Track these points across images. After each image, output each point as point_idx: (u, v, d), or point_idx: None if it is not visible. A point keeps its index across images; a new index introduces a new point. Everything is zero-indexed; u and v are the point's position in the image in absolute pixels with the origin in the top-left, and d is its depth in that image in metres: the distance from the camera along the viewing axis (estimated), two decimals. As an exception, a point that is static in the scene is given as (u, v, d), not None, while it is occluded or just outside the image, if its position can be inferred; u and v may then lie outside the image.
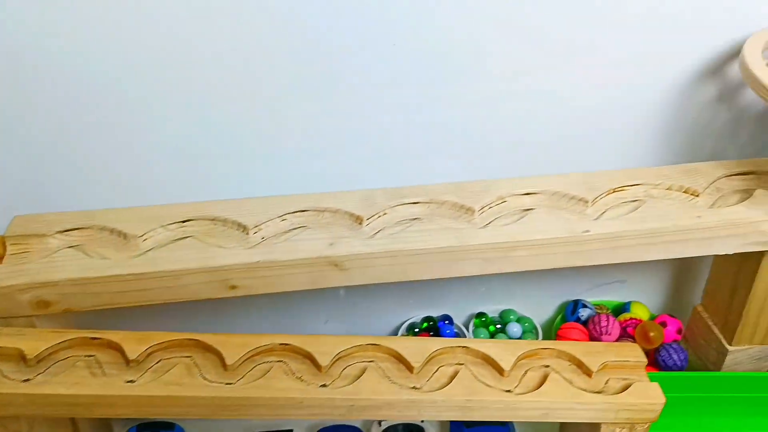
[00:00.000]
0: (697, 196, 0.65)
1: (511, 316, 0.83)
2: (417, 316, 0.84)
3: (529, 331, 0.82)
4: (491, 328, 0.82)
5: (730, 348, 0.73)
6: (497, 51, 0.64)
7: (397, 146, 0.69)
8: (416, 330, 0.82)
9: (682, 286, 0.85)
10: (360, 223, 0.63)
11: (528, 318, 0.84)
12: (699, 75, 0.69)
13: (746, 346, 0.73)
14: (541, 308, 0.87)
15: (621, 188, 0.66)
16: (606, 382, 0.59)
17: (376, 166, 0.69)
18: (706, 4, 0.64)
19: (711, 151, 0.75)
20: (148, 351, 0.56)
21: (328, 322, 0.83)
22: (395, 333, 0.83)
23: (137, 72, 0.60)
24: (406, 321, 0.84)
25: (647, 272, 0.85)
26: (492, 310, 0.85)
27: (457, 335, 0.81)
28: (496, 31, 0.62)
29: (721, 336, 0.74)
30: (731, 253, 0.62)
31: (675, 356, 0.75)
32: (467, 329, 0.83)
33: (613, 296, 0.87)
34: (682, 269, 0.84)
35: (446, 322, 0.82)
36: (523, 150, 0.71)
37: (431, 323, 0.82)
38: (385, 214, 0.64)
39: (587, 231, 0.60)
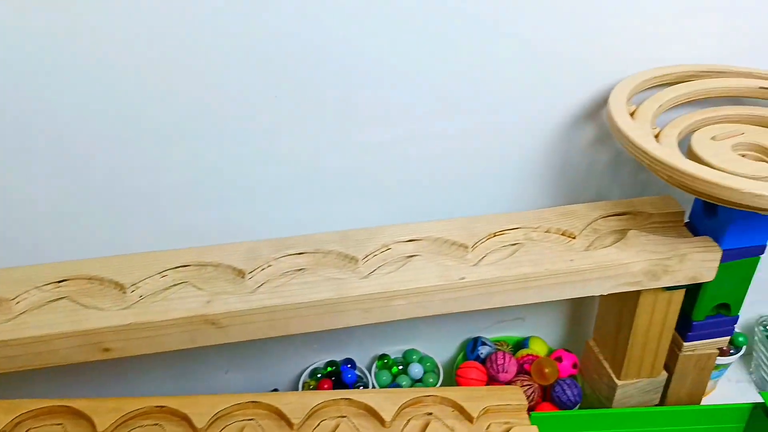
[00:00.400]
0: (574, 238, 0.67)
1: (414, 357, 0.84)
2: (321, 360, 0.84)
3: (431, 371, 0.83)
4: (394, 369, 0.82)
5: (619, 382, 0.75)
6: (377, 97, 0.65)
7: (283, 195, 0.69)
8: (319, 375, 0.81)
9: (577, 321, 0.87)
10: (243, 277, 0.62)
11: (430, 357, 0.84)
12: (578, 118, 0.71)
13: (634, 380, 0.75)
14: (444, 346, 0.88)
15: (501, 232, 0.68)
16: (487, 427, 0.60)
17: (262, 216, 0.69)
18: (581, 49, 0.66)
19: (595, 191, 0.77)
20: (16, 421, 0.54)
21: (228, 372, 0.82)
22: (298, 379, 0.83)
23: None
24: (309, 366, 0.84)
25: (545, 308, 0.87)
26: (396, 350, 0.86)
27: (359, 378, 0.81)
28: (375, 77, 0.63)
29: (610, 370, 0.76)
30: (605, 293, 0.64)
31: (569, 392, 0.77)
32: (370, 372, 0.83)
33: (514, 332, 0.88)
34: (577, 304, 0.86)
35: (349, 365, 0.82)
36: (409, 195, 0.72)
37: (334, 368, 0.82)
38: (269, 266, 0.64)
39: (463, 278, 0.61)
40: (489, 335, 0.87)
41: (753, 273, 0.68)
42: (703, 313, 0.70)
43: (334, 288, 0.61)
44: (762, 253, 0.67)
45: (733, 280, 0.68)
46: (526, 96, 0.69)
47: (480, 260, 0.65)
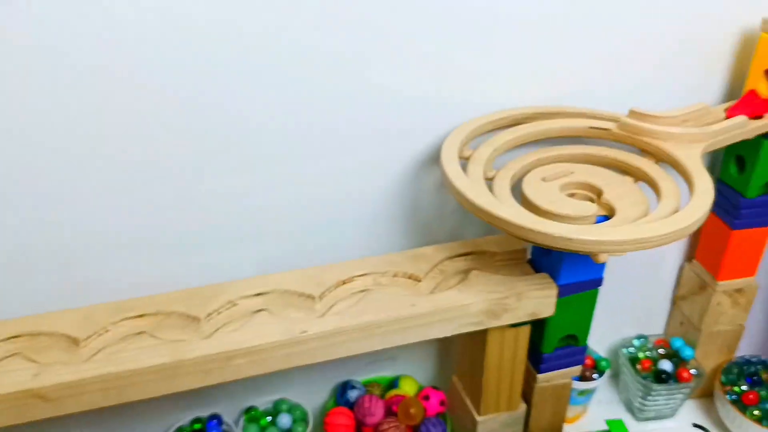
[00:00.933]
0: (419, 281, 0.68)
1: (283, 406, 0.83)
2: (186, 418, 0.82)
3: (300, 420, 0.82)
4: (262, 421, 0.81)
5: (479, 418, 0.76)
6: (226, 145, 0.64)
7: (125, 254, 0.67)
8: (184, 434, 0.79)
9: (446, 357, 0.88)
10: (77, 345, 0.60)
11: (300, 406, 0.84)
12: (426, 161, 0.73)
13: (494, 414, 0.76)
14: (317, 392, 0.87)
15: (350, 279, 0.68)
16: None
17: (100, 278, 0.67)
18: (426, 94, 0.68)
19: (449, 232, 0.79)
20: None
21: (84, 437, 0.79)
22: (163, 439, 0.80)
23: None
24: (173, 425, 0.81)
25: (415, 346, 0.87)
26: (265, 401, 0.84)
27: (226, 434, 0.79)
28: (223, 124, 0.63)
29: (471, 406, 0.77)
30: (449, 335, 0.65)
31: (433, 430, 0.77)
32: (237, 426, 0.81)
33: (386, 372, 0.88)
34: (445, 341, 0.87)
35: (215, 421, 0.80)
36: (258, 246, 0.71)
37: (201, 425, 0.80)
38: (106, 332, 0.62)
39: (305, 331, 0.61)
40: (361, 377, 0.87)
41: (594, 304, 0.71)
42: (551, 345, 0.72)
43: (172, 351, 0.59)
44: (599, 285, 0.70)
45: (576, 313, 0.71)
46: (375, 140, 0.70)
47: (328, 310, 0.65)
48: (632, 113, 0.71)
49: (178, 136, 0.62)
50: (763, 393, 0.89)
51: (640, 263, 0.93)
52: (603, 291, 0.92)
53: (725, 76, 0.79)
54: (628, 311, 0.98)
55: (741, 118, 0.70)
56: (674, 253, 0.94)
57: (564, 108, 0.74)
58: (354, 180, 0.72)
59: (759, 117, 0.73)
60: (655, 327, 1.01)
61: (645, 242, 0.53)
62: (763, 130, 0.73)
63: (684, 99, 0.77)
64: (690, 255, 0.93)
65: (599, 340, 0.99)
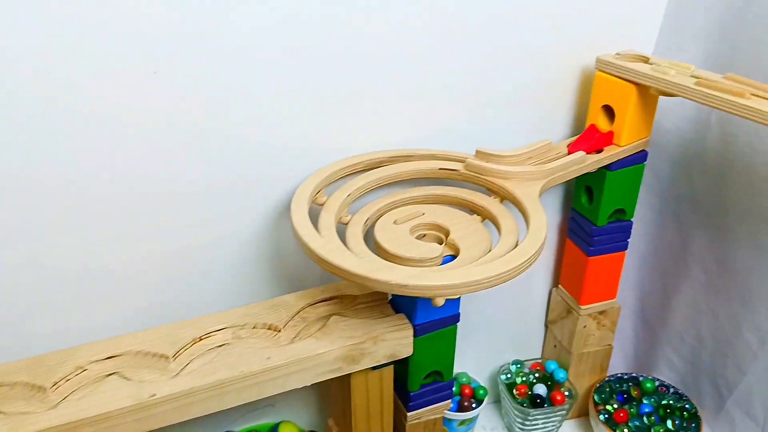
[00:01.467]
0: (279, 331, 0.68)
1: (157, 465, 0.80)
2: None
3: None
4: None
5: (353, 460, 0.76)
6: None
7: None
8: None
9: (324, 400, 0.88)
10: None
11: (174, 463, 0.81)
12: (287, 208, 0.73)
13: (368, 456, 0.76)
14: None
15: (207, 335, 0.67)
16: None
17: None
18: (284, 141, 0.69)
19: (319, 277, 0.79)
20: None
21: None
22: None
23: None
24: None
25: (293, 391, 0.86)
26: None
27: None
28: (52, 183, 0.62)
29: (345, 449, 0.77)
30: (309, 384, 0.65)
31: (310, 477, 0.77)
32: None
33: (267, 419, 0.87)
34: (321, 384, 0.86)
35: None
36: (112, 305, 0.69)
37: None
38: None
39: (154, 395, 0.59)
40: (241, 426, 0.86)
41: (454, 340, 0.73)
42: (417, 383, 0.73)
43: (12, 426, 0.57)
44: (457, 321, 0.72)
45: (437, 350, 0.72)
46: (232, 189, 0.70)
47: (182, 369, 0.63)
48: (478, 153, 0.74)
49: (13, 195, 0.60)
50: (632, 411, 0.93)
51: (511, 290, 0.95)
52: (480, 318, 0.95)
53: (570, 112, 0.84)
54: (506, 337, 1.01)
55: (579, 154, 0.74)
56: (542, 279, 0.98)
57: (417, 151, 0.76)
58: (213, 231, 0.71)
59: (600, 150, 0.78)
60: (533, 351, 1.05)
61: (476, 285, 0.56)
62: (605, 163, 0.78)
63: (534, 135, 0.80)
64: (556, 281, 0.97)
65: (480, 368, 1.02)
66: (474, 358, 1.01)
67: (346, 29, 0.66)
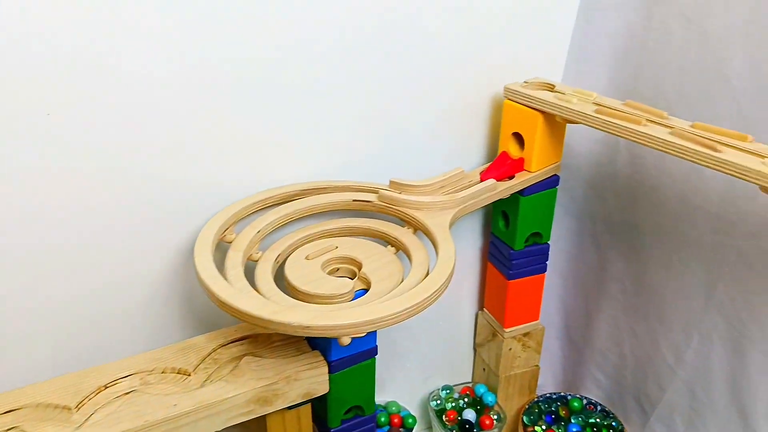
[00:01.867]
0: (189, 375, 0.66)
1: None
2: None
3: None
4: None
5: (276, 501, 0.74)
6: None
7: None
8: None
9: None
10: None
11: None
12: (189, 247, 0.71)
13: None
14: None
15: (113, 383, 0.64)
16: None
17: None
18: (182, 178, 0.67)
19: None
20: None
21: None
22: None
23: None
24: None
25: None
26: None
27: None
28: None
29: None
30: (220, 429, 0.63)
31: None
32: None
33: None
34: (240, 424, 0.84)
35: None
36: (11, 355, 0.66)
37: None
38: None
39: (49, 453, 0.56)
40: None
41: (373, 374, 0.72)
42: (337, 419, 0.72)
43: None
44: (374, 354, 0.71)
45: (356, 384, 0.71)
46: (140, 226, 0.68)
47: (86, 420, 0.61)
48: (392, 183, 0.74)
49: None
50: (560, 431, 0.94)
51: (438, 314, 0.96)
52: (408, 344, 0.95)
53: (483, 139, 0.85)
54: (436, 362, 1.01)
55: (490, 182, 0.74)
56: (468, 303, 0.98)
57: (331, 182, 0.75)
58: (118, 272, 0.69)
59: (512, 177, 0.78)
60: (464, 375, 1.05)
61: (380, 322, 0.55)
62: (517, 189, 0.78)
63: (450, 163, 0.81)
64: (482, 304, 0.97)
65: (411, 395, 1.01)
66: (404, 385, 1.00)
67: (254, 60, 0.66)
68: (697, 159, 0.58)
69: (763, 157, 0.55)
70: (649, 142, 0.61)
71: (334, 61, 0.70)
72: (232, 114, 0.67)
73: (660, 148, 0.61)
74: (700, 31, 0.69)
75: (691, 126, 0.62)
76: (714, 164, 0.57)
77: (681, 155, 0.59)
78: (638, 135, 0.62)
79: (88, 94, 0.59)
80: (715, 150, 0.57)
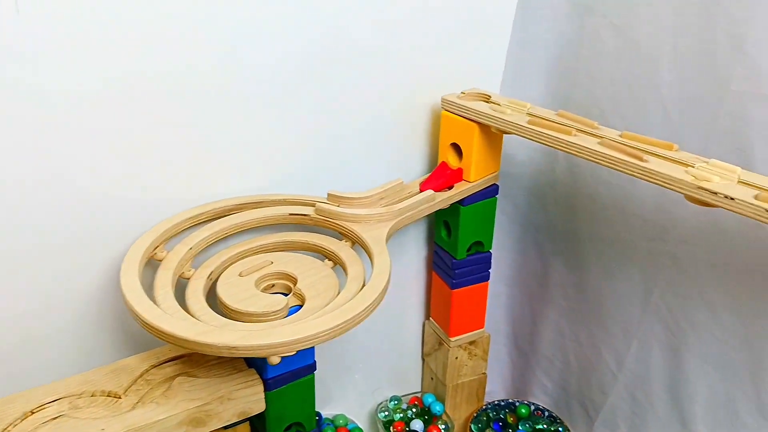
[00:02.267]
0: (120, 397, 0.64)
1: None
2: None
3: None
4: None
5: None
6: None
7: None
8: None
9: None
10: None
11: None
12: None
13: None
14: None
15: (40, 407, 0.62)
16: None
17: None
18: (115, 194, 0.66)
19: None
20: None
21: None
22: None
23: None
24: None
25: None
26: None
27: None
28: None
29: None
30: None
31: None
32: None
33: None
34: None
35: None
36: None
37: None
38: None
39: (-32, 484, 0.54)
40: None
41: (312, 390, 0.71)
42: (279, 436, 0.71)
43: None
44: (313, 370, 0.70)
45: (295, 401, 0.70)
46: (68, 245, 0.66)
47: (10, 449, 0.58)
48: (330, 196, 0.73)
49: None
50: (507, 437, 0.94)
51: (385, 324, 0.95)
52: (356, 356, 0.94)
53: (424, 150, 0.84)
54: (384, 373, 1.01)
55: (428, 193, 0.74)
56: (415, 312, 0.98)
57: (267, 196, 0.74)
58: (45, 293, 0.67)
59: (451, 187, 0.78)
60: (413, 385, 1.04)
61: (309, 340, 0.54)
62: (457, 199, 0.78)
63: (391, 173, 0.80)
64: (428, 313, 0.97)
65: (360, 407, 1.00)
66: (353, 398, 0.99)
67: (184, 75, 0.64)
68: (625, 168, 0.58)
69: (687, 165, 0.56)
70: (579, 152, 0.62)
71: (268, 75, 0.69)
72: (163, 129, 0.66)
73: (589, 158, 0.61)
74: (630, 40, 0.70)
75: (620, 135, 0.63)
76: (640, 174, 0.57)
77: (609, 165, 0.59)
78: (568, 145, 0.63)
79: (5, 112, 0.57)
80: (641, 159, 0.57)
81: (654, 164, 0.57)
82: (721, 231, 0.66)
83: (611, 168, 0.59)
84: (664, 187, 0.55)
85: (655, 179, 0.56)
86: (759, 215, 0.50)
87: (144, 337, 0.71)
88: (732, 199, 0.51)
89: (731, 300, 0.68)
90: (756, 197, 0.51)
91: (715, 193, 0.52)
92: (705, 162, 0.56)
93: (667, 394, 0.79)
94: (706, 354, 0.73)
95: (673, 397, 0.78)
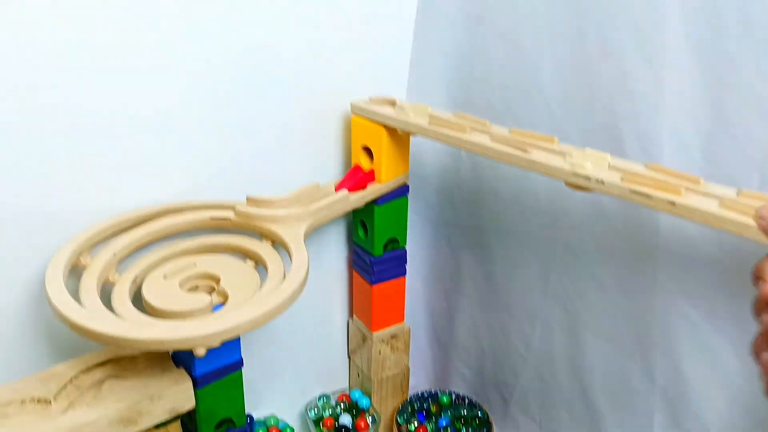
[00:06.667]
0: (50, 403, 0.65)
1: None
2: None
3: None
4: None
5: None
6: None
7: None
8: None
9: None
10: None
11: None
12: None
13: None
14: None
15: (-32, 419, 0.63)
16: None
17: None
18: (29, 204, 0.67)
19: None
20: None
21: None
22: None
23: None
24: None
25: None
26: None
27: None
28: None
29: None
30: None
31: None
32: None
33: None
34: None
35: None
36: None
37: None
38: None
39: None
40: None
41: (240, 386, 0.74)
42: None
43: None
44: (240, 367, 0.73)
45: (224, 398, 0.73)
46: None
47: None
48: (249, 200, 0.77)
49: None
50: (431, 426, 0.99)
51: (311, 323, 0.99)
52: (284, 356, 0.97)
53: (338, 153, 0.89)
54: (312, 372, 1.04)
55: (342, 193, 0.79)
56: (339, 311, 1.02)
57: (188, 203, 0.77)
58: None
59: (365, 187, 0.83)
60: (341, 382, 1.08)
61: (233, 330, 0.58)
62: (370, 198, 0.84)
63: (308, 177, 0.85)
64: (351, 311, 1.02)
65: (291, 407, 1.04)
66: (283, 398, 1.02)
67: (100, 83, 0.67)
68: (512, 161, 0.65)
69: (565, 155, 0.63)
70: (473, 148, 0.68)
71: (184, 84, 0.73)
72: (80, 139, 0.68)
73: (482, 152, 0.68)
74: (516, 47, 0.77)
75: (509, 132, 0.70)
76: (526, 165, 0.64)
77: (499, 158, 0.66)
78: (464, 143, 0.69)
79: None
80: (525, 152, 0.64)
81: (536, 155, 0.64)
82: (603, 215, 0.73)
83: (501, 161, 0.66)
84: (546, 175, 0.62)
85: (538, 168, 0.63)
86: (626, 195, 0.57)
87: (72, 344, 0.73)
88: (602, 182, 0.59)
89: (617, 278, 0.76)
90: (622, 179, 0.58)
91: (588, 178, 0.60)
92: (581, 151, 0.63)
93: (570, 371, 0.86)
94: (599, 330, 0.80)
95: (576, 373, 0.86)
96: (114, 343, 0.57)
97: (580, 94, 0.72)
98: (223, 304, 0.67)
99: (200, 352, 0.59)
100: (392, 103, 0.82)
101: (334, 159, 0.90)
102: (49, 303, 0.60)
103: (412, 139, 0.83)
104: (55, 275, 0.63)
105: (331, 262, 0.98)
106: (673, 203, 0.54)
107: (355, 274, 0.96)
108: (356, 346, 1.02)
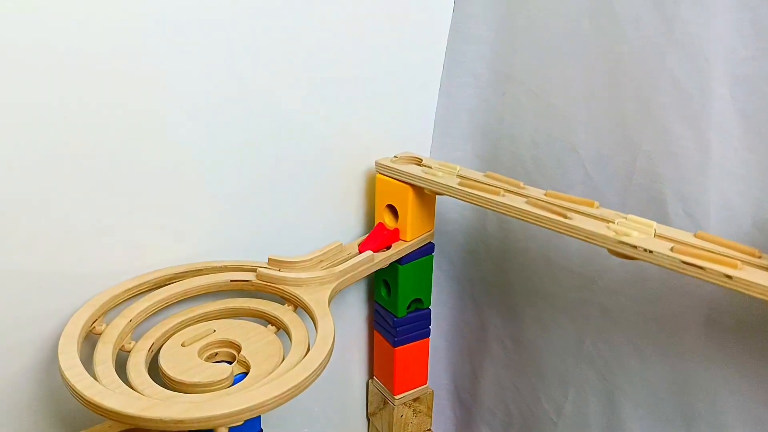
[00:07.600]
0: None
1: None
2: None
3: None
4: None
5: None
6: None
7: None
8: None
9: None
10: None
11: None
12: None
13: None
14: None
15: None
16: None
17: None
18: (47, 270, 0.64)
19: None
20: None
21: None
22: None
23: None
24: None
25: None
26: None
27: None
28: None
29: None
30: None
31: None
32: None
33: None
34: None
35: None
36: None
37: None
38: None
39: None
40: None
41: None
42: None
43: None
44: (259, 438, 0.69)
45: None
46: (2, 322, 0.63)
47: None
48: (271, 261, 0.74)
49: None
50: (454, 492, 0.94)
51: (329, 384, 0.95)
52: (301, 418, 0.93)
53: (361, 212, 0.87)
54: (330, 434, 1.00)
55: (367, 254, 0.76)
56: (358, 372, 0.98)
57: (207, 264, 0.74)
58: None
59: (389, 247, 0.80)
60: (359, 445, 1.04)
61: (258, 408, 0.54)
62: (395, 258, 0.81)
63: (329, 236, 0.82)
64: (371, 372, 0.98)
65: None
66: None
67: (121, 143, 0.65)
68: (551, 226, 0.62)
69: (607, 221, 0.60)
70: (507, 211, 0.65)
71: (205, 144, 0.71)
72: (97, 200, 0.66)
73: (518, 216, 0.65)
74: (547, 105, 0.75)
75: (545, 194, 0.67)
76: (565, 230, 0.61)
77: (536, 222, 0.63)
78: (498, 205, 0.66)
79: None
80: (565, 217, 0.61)
81: (578, 221, 0.61)
82: (645, 280, 0.70)
83: (538, 225, 0.63)
84: (588, 242, 0.59)
85: (579, 235, 0.60)
86: (676, 266, 0.54)
87: (83, 414, 0.70)
88: (651, 252, 0.55)
89: (658, 345, 0.72)
90: (672, 249, 0.55)
91: (635, 247, 0.56)
92: (624, 218, 0.60)
93: (605, 440, 0.81)
94: (638, 398, 0.76)
95: (611, 442, 0.81)
96: (129, 422, 0.53)
97: (618, 154, 0.69)
98: (245, 373, 0.63)
99: (223, 430, 0.55)
100: (418, 161, 0.79)
101: (356, 216, 0.87)
102: (62, 377, 0.57)
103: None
104: (68, 345, 0.60)
105: (351, 321, 0.94)
106: (729, 276, 0.51)
107: (376, 334, 0.92)
108: (376, 409, 0.98)
